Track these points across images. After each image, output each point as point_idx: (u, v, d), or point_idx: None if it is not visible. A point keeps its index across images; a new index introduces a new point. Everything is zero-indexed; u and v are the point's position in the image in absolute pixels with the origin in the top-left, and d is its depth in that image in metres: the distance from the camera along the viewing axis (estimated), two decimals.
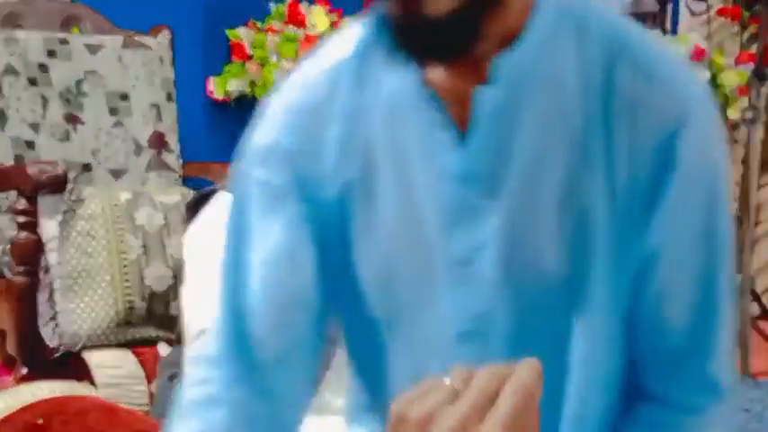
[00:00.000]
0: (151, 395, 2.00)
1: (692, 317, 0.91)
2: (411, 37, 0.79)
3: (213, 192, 1.84)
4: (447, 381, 0.58)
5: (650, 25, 3.95)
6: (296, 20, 2.96)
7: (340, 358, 1.80)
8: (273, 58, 2.93)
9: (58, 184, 2.07)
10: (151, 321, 2.13)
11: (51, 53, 2.54)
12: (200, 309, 1.76)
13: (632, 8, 3.86)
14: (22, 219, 2.08)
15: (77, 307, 2.05)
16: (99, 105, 2.59)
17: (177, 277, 2.06)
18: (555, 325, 0.90)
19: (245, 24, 2.97)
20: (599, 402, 0.93)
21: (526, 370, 0.58)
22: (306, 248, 0.93)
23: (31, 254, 2.08)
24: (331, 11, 3.00)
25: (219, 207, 1.80)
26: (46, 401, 1.83)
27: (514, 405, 0.56)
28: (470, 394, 0.57)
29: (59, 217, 2.06)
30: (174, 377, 1.79)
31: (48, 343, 2.06)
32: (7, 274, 2.15)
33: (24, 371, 2.08)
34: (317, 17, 2.96)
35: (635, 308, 0.90)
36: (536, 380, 0.58)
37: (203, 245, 1.81)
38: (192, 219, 1.86)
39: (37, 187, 2.05)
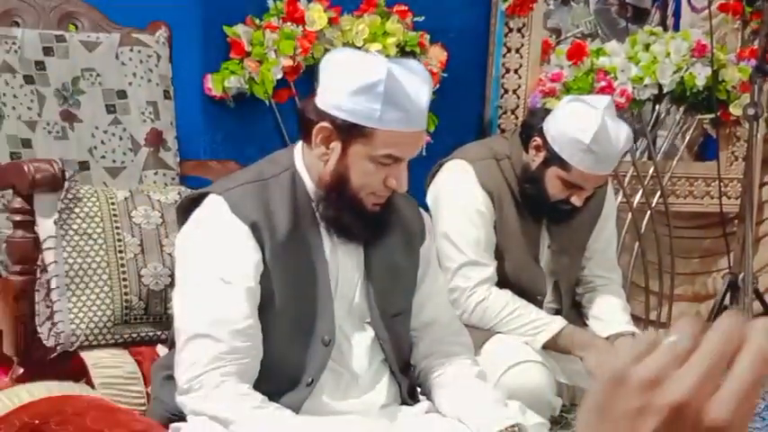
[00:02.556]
0: (148, 395, 1.98)
1: None
2: None
3: (204, 195, 1.81)
4: (672, 339, 0.52)
5: (649, 21, 3.94)
6: (294, 17, 2.94)
7: (332, 368, 1.80)
8: (272, 56, 2.91)
9: (54, 183, 2.06)
10: (149, 320, 2.11)
11: (48, 50, 2.52)
12: (191, 314, 1.75)
13: (636, 1, 3.86)
14: (18, 217, 2.07)
15: (74, 306, 2.03)
16: (96, 103, 2.57)
17: (174, 276, 2.04)
18: None
19: (244, 21, 2.95)
20: None
21: (764, 334, 0.51)
22: None
23: (27, 253, 2.07)
24: (329, 7, 2.98)
25: (209, 211, 1.78)
26: (43, 401, 1.81)
27: (753, 378, 0.50)
28: (702, 360, 0.51)
29: (56, 216, 2.04)
30: (171, 378, 1.78)
31: (45, 342, 2.04)
32: (4, 273, 2.13)
33: (21, 371, 2.06)
34: (316, 14, 2.94)
35: None
36: None
37: (194, 249, 1.79)
38: (183, 221, 1.84)
39: (33, 186, 2.04)
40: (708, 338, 0.52)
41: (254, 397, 1.69)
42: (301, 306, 1.79)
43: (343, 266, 1.84)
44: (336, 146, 1.73)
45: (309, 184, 1.81)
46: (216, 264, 1.73)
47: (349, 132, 1.71)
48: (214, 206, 1.77)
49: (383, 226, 1.84)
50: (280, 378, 1.76)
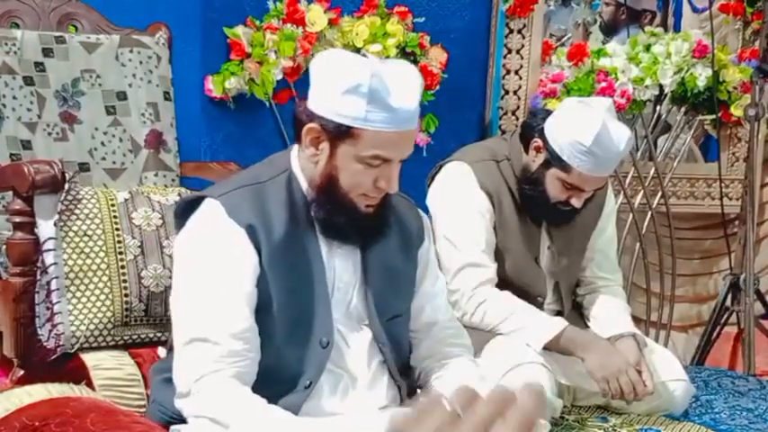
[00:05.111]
0: (148, 397, 1.98)
1: None
2: None
3: (200, 198, 1.81)
4: (447, 402, 0.58)
5: (649, 22, 3.94)
6: (294, 18, 2.94)
7: (331, 370, 1.80)
8: (272, 57, 2.91)
9: (54, 184, 2.05)
10: (149, 322, 2.10)
11: (48, 52, 2.52)
12: (189, 318, 1.75)
13: (631, 3, 3.85)
14: (18, 219, 2.06)
15: (74, 308, 2.02)
16: (96, 104, 2.57)
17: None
18: None
19: (244, 23, 2.95)
20: None
21: (530, 398, 0.57)
22: None
23: (27, 254, 2.07)
24: (329, 9, 2.98)
25: (206, 215, 1.78)
26: (43, 403, 1.81)
27: None
28: (472, 420, 0.56)
29: (56, 217, 2.04)
30: (170, 381, 1.77)
31: (45, 344, 2.04)
32: (4, 274, 2.13)
33: (21, 373, 2.06)
34: (316, 15, 2.94)
35: None
36: (539, 408, 0.57)
37: (191, 254, 1.79)
38: (180, 225, 1.84)
39: (33, 187, 2.03)
40: (480, 403, 0.58)
41: (254, 400, 1.69)
42: (299, 308, 1.78)
43: (340, 268, 1.84)
44: (325, 147, 1.74)
45: (305, 186, 1.81)
46: (213, 268, 1.73)
47: (336, 133, 1.71)
48: (211, 210, 1.77)
49: (378, 228, 1.83)
50: (278, 380, 1.76)
